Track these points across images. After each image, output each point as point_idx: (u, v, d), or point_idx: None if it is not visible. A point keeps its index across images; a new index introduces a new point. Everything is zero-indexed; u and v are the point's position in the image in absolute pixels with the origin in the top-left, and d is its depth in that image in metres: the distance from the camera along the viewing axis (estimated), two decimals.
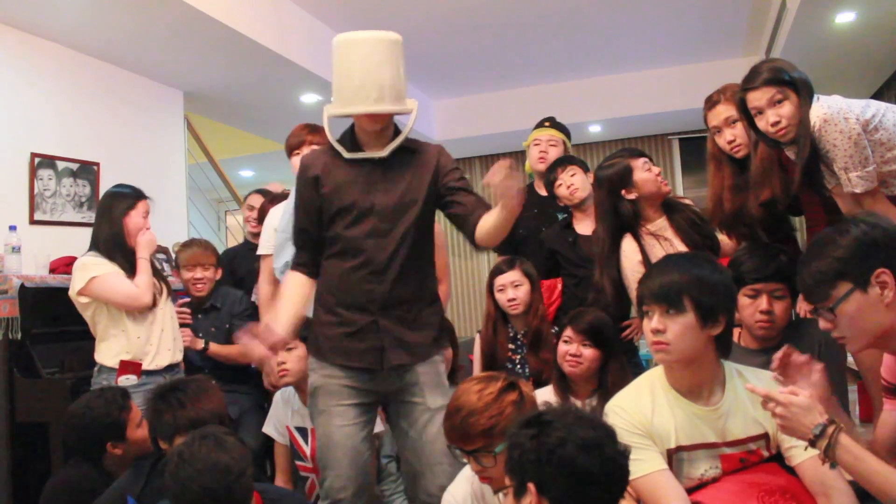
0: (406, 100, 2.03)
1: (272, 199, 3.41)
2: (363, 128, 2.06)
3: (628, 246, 2.48)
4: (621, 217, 2.50)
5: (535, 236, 3.25)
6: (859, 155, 1.98)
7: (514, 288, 2.79)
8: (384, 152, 2.05)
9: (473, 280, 7.66)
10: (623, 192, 2.48)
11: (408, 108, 2.03)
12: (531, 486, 1.30)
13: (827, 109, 2.00)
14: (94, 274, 2.67)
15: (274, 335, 2.01)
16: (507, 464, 1.39)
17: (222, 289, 3.25)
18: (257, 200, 3.62)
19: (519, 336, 2.85)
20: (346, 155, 2.07)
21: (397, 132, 2.11)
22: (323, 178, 2.09)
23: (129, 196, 2.79)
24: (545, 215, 3.29)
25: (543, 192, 3.32)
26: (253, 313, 3.16)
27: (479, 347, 2.90)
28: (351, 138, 2.10)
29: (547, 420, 1.34)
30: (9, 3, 3.47)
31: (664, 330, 1.68)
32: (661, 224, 2.50)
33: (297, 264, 2.17)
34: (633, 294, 2.42)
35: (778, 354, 1.65)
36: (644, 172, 2.47)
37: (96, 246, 2.76)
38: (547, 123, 3.41)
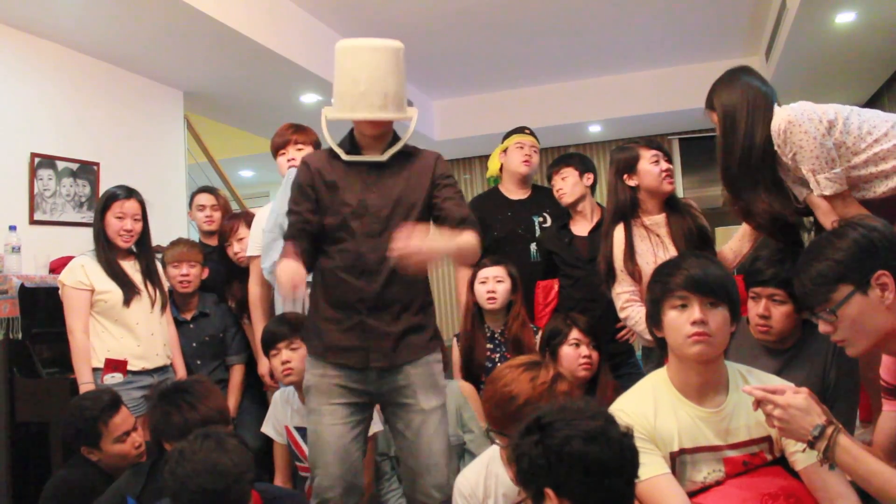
0: (406, 107, 2.08)
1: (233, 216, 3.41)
2: (363, 132, 2.11)
3: (618, 234, 2.50)
4: (619, 200, 2.52)
5: (513, 237, 3.23)
6: (826, 156, 1.98)
7: (495, 282, 2.80)
8: (384, 157, 2.10)
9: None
10: (625, 176, 2.51)
11: (408, 115, 2.09)
12: (548, 490, 1.29)
13: (790, 112, 2.02)
14: (63, 281, 2.81)
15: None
16: (518, 475, 1.37)
17: (208, 296, 3.25)
18: (207, 199, 3.56)
19: (496, 336, 2.85)
20: (345, 157, 2.10)
21: (395, 136, 2.15)
22: (321, 176, 2.12)
23: (109, 196, 2.87)
24: (519, 217, 3.27)
25: (517, 195, 3.30)
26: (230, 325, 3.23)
27: (456, 348, 2.90)
28: (350, 141, 2.14)
29: (547, 422, 1.33)
30: (9, 3, 3.46)
31: (707, 321, 1.65)
32: (658, 220, 2.50)
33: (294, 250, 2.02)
34: (619, 275, 2.47)
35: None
36: (648, 164, 2.48)
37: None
38: (527, 131, 3.39)
